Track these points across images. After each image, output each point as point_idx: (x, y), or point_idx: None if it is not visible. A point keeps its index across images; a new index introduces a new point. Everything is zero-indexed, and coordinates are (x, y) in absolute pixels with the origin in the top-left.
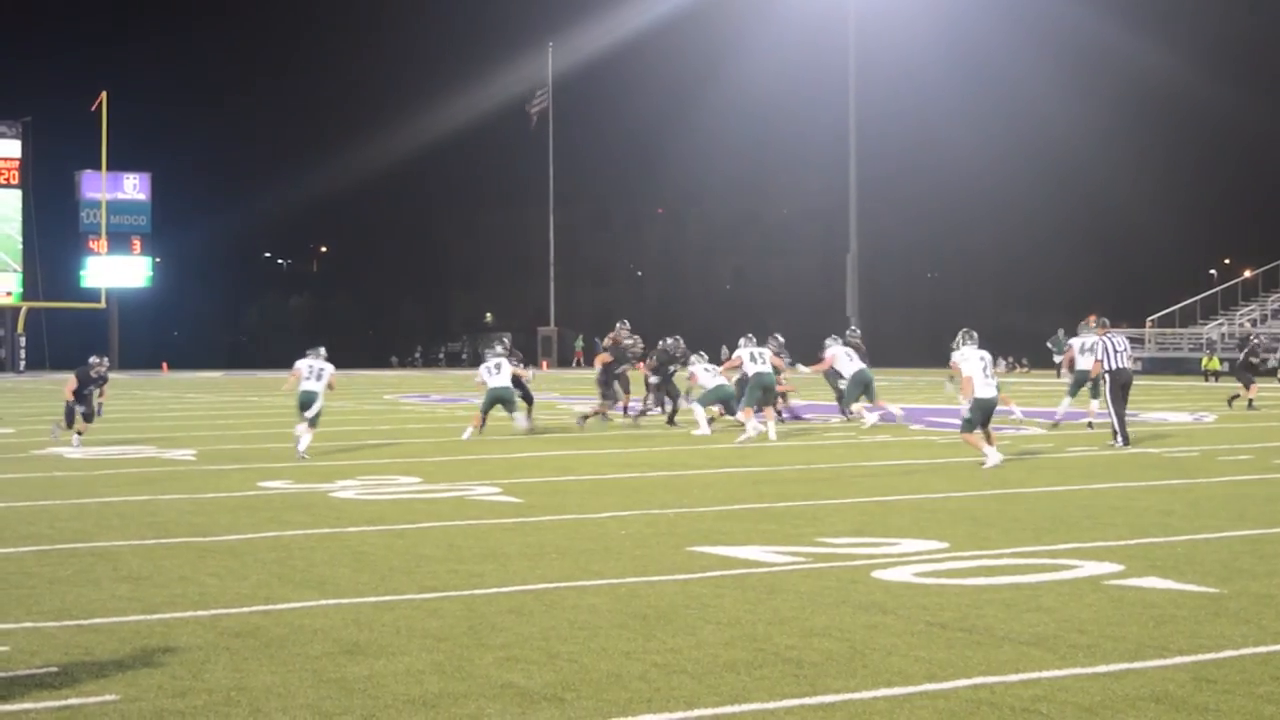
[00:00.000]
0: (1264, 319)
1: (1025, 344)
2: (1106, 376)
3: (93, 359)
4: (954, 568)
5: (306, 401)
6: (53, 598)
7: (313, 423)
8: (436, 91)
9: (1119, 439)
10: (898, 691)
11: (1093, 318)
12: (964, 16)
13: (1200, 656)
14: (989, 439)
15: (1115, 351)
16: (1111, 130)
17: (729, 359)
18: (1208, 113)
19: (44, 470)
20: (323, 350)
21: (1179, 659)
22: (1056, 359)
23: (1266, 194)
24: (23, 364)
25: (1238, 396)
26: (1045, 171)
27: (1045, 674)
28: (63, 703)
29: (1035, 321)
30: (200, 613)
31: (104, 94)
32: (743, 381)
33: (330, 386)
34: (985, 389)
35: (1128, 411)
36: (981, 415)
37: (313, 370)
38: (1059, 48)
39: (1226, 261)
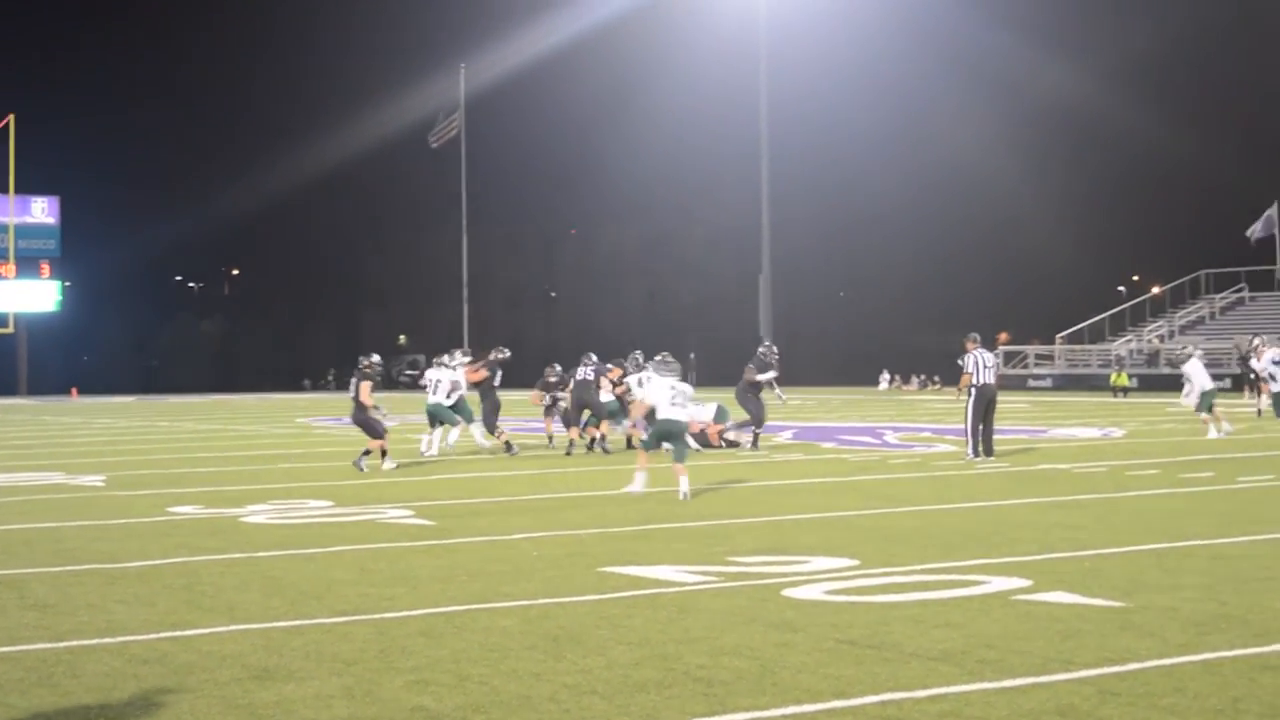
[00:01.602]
0: (1171, 334)
1: (937, 362)
2: (973, 390)
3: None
4: (863, 585)
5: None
6: None
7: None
8: (348, 112)
9: (974, 452)
10: (807, 708)
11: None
12: (876, 39)
13: (1105, 670)
14: None
15: (984, 367)
16: (1021, 150)
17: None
18: (1116, 132)
19: None
20: (445, 358)
21: (1084, 673)
22: None
23: (1175, 212)
24: None
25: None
26: (955, 191)
27: (952, 689)
28: None
29: (947, 340)
30: (108, 640)
31: (11, 116)
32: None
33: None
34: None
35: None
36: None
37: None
38: (969, 69)
39: (1135, 279)
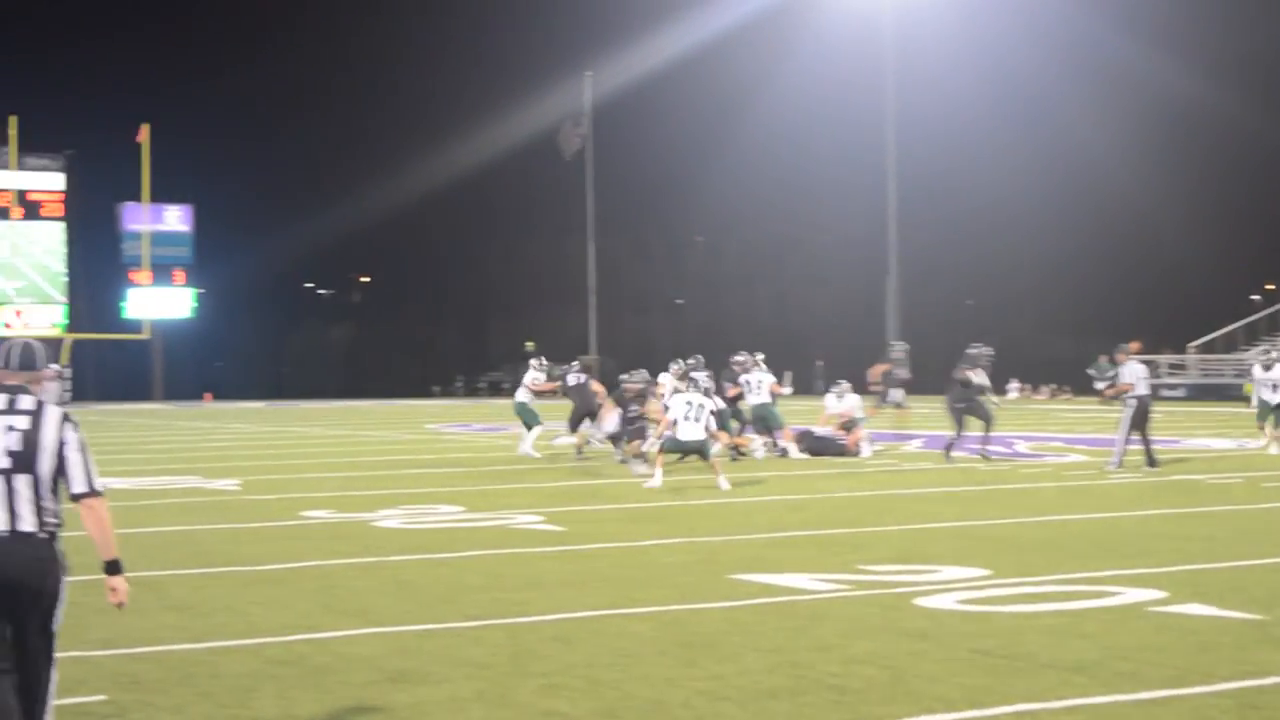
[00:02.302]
0: None
1: (1067, 371)
2: (1133, 401)
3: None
4: (996, 594)
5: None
6: (100, 627)
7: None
8: (475, 120)
9: (1118, 462)
10: (940, 718)
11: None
12: (1003, 41)
13: (1245, 683)
14: None
15: (1141, 378)
16: (1152, 155)
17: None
18: (1253, 139)
19: None
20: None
21: (1223, 685)
22: (1098, 385)
23: None
24: (69, 395)
25: None
26: (1086, 197)
27: (1088, 700)
28: None
29: (1077, 348)
30: (246, 641)
31: (146, 126)
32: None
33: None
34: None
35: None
36: None
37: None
38: (1099, 72)
39: (1270, 287)
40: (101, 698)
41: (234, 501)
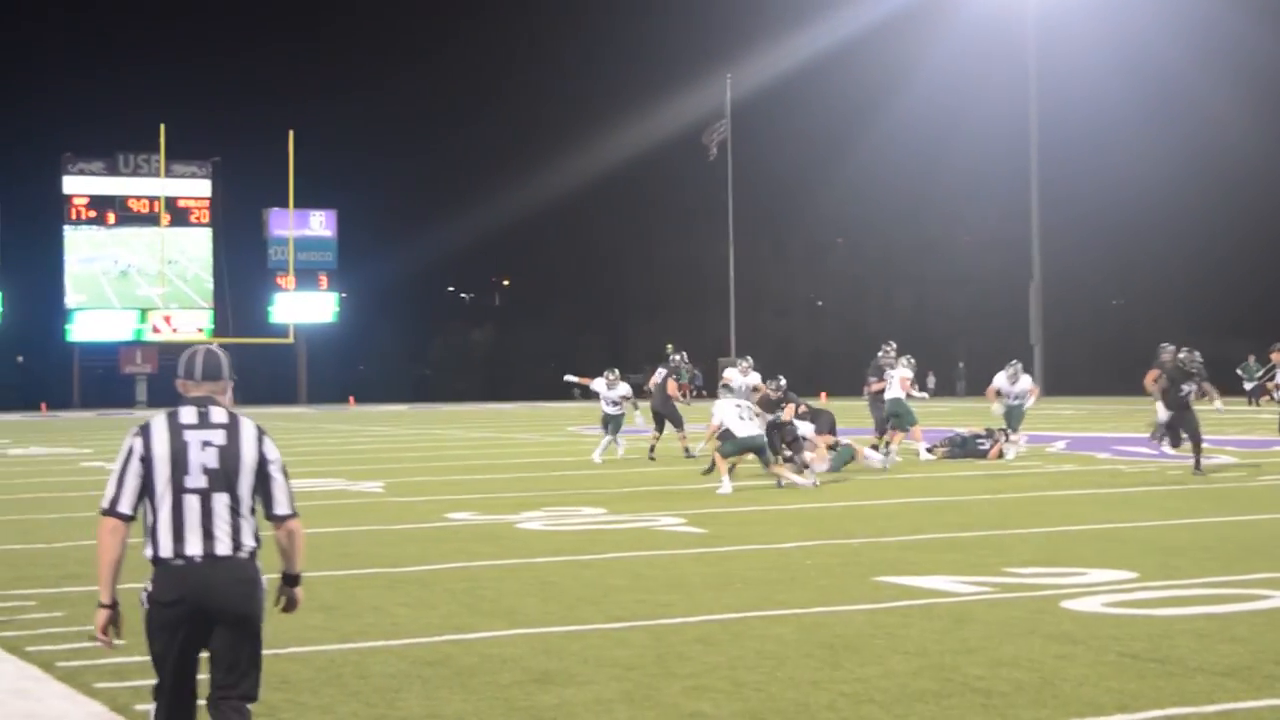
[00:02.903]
0: None
1: (1214, 371)
2: None
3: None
4: (1144, 598)
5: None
6: None
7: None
8: (616, 123)
9: None
10: None
11: None
12: (1147, 36)
13: None
14: None
15: None
16: None
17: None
18: None
19: None
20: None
21: None
22: (1247, 385)
23: None
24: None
25: None
26: (1234, 196)
27: (1240, 705)
28: None
29: (1225, 348)
30: (392, 642)
31: (290, 133)
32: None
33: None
34: None
35: None
36: None
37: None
38: (1246, 65)
39: None
40: None
41: (378, 503)
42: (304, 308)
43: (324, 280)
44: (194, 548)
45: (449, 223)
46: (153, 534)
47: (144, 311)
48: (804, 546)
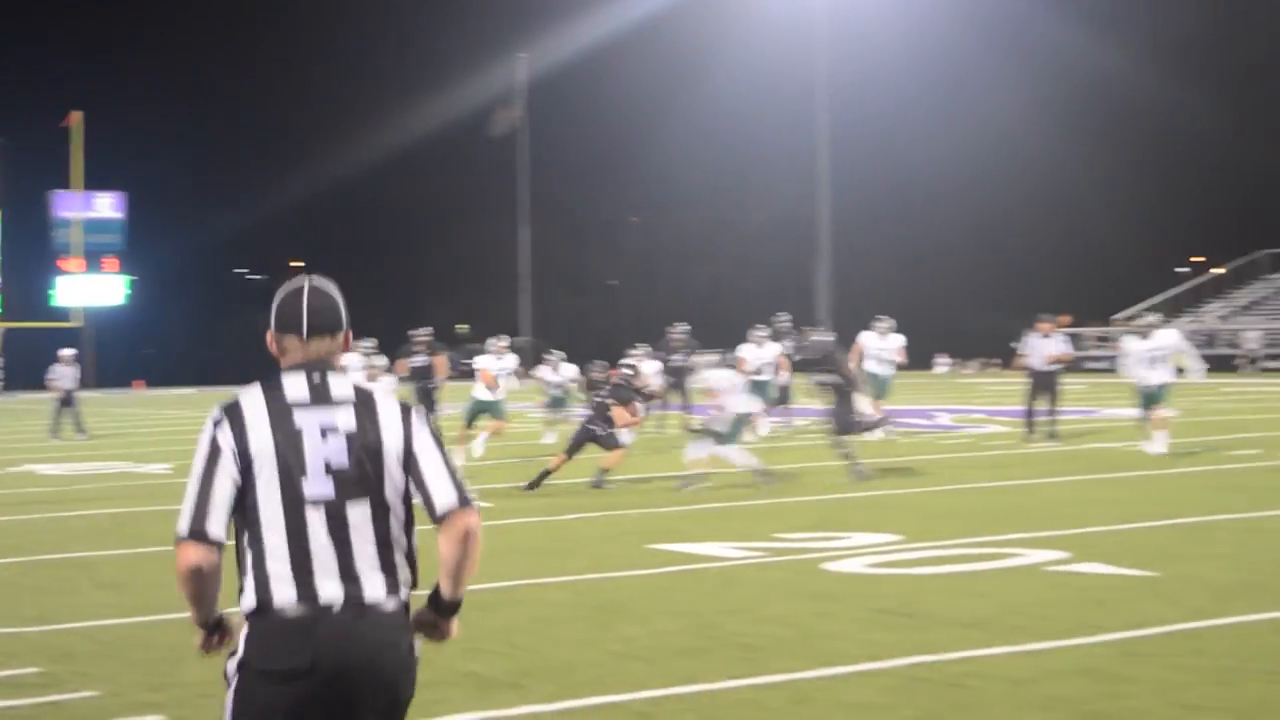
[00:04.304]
0: (1230, 315)
1: (996, 344)
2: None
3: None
4: (902, 559)
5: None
6: (33, 605)
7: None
8: (408, 103)
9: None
10: (838, 670)
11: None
12: (933, 21)
13: (1129, 633)
14: None
15: (1035, 351)
16: (1079, 131)
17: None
18: (1178, 113)
19: (21, 487)
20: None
21: (1108, 636)
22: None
23: (1236, 192)
24: (1, 384)
25: None
26: (1014, 174)
27: (978, 652)
28: (45, 699)
29: (1006, 322)
30: (174, 615)
31: (77, 113)
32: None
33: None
34: None
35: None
36: None
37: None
38: (1028, 51)
39: (1200, 260)
40: (34, 670)
41: (165, 484)
42: (92, 291)
43: (112, 263)
44: (327, 589)
45: (240, 205)
46: (255, 571)
47: None
48: (584, 518)
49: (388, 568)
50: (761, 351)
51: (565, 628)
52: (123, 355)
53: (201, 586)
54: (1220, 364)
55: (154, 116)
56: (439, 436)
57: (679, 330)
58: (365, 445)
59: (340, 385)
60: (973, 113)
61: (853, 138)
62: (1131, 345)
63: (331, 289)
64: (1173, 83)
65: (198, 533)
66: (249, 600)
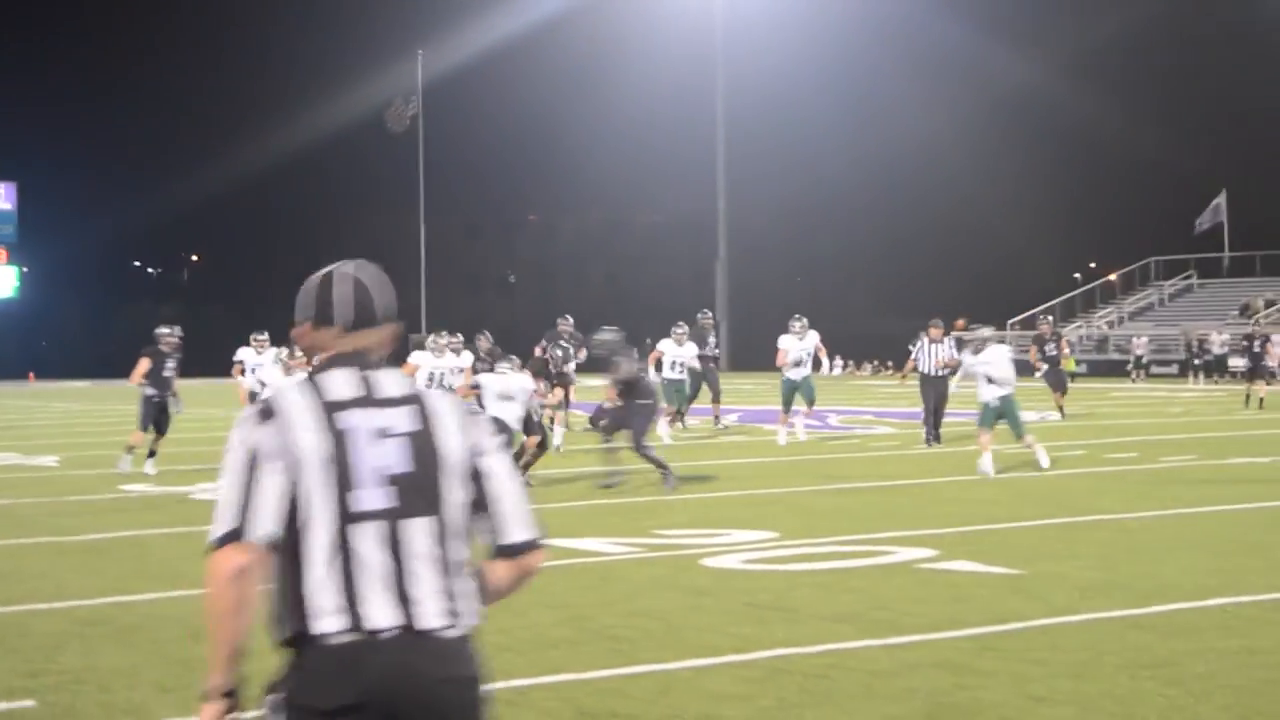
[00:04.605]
0: (1121, 321)
1: (889, 347)
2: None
3: (162, 329)
4: (779, 555)
5: None
6: None
7: None
8: (306, 98)
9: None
10: (704, 662)
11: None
12: (832, 25)
13: (988, 629)
14: None
15: (924, 355)
16: (978, 137)
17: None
18: (1073, 121)
19: None
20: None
21: (969, 631)
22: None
23: (1130, 200)
24: None
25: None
26: (913, 177)
27: (842, 645)
28: None
29: (903, 325)
30: (57, 604)
31: None
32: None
33: None
34: None
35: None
36: None
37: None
38: (922, 55)
39: (1092, 265)
40: None
41: (52, 476)
42: None
43: (3, 254)
44: (380, 614)
45: (136, 197)
46: (294, 592)
47: None
48: None
49: (447, 591)
50: (680, 350)
51: None
52: (15, 348)
53: (242, 597)
54: (1112, 369)
55: (46, 106)
56: (498, 446)
57: (568, 323)
58: (426, 452)
59: (395, 382)
60: (873, 116)
61: (752, 139)
62: (965, 358)
63: (373, 281)
64: (1073, 92)
65: (237, 532)
66: (288, 626)
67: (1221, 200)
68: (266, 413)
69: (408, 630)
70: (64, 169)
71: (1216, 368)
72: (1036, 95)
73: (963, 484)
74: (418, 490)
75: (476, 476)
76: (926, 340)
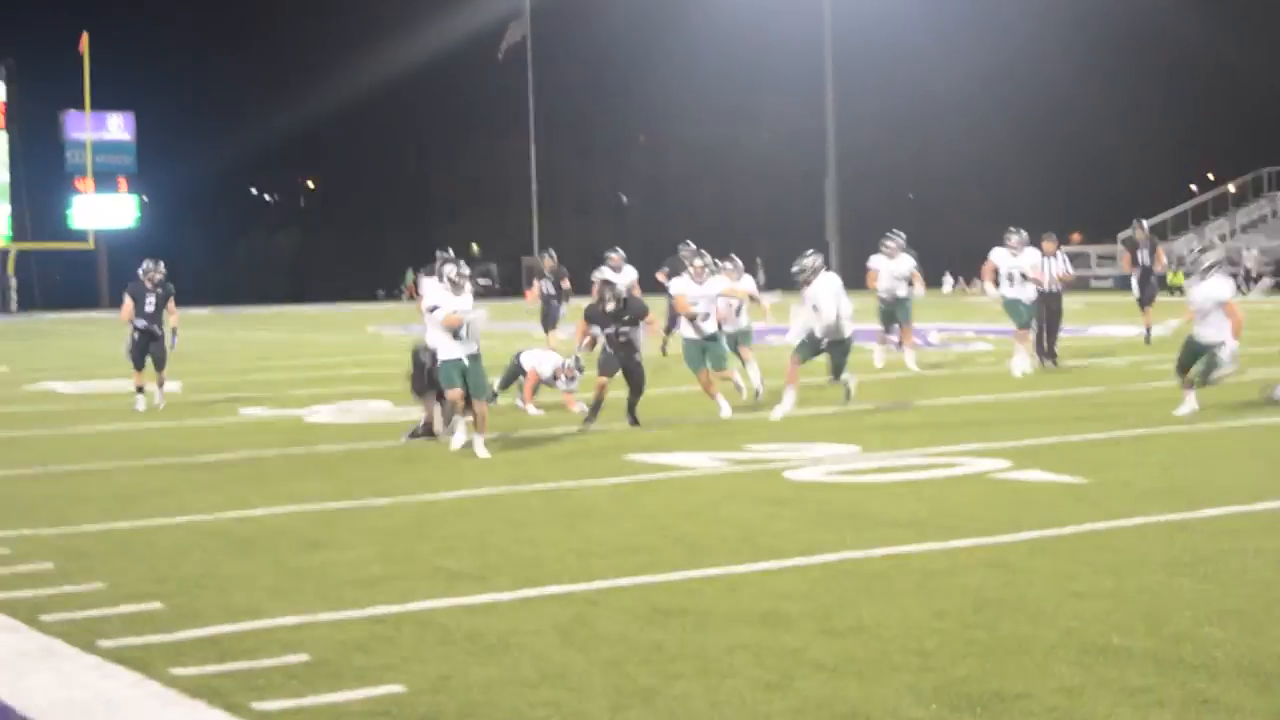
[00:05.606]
0: (1233, 233)
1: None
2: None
3: (146, 264)
4: (859, 467)
5: None
6: (48, 511)
7: None
8: (418, 21)
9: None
10: (773, 564)
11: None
12: None
13: (1043, 532)
14: None
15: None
16: (1090, 47)
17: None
18: (1187, 33)
19: (36, 404)
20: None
21: (1025, 534)
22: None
23: (1243, 110)
24: (15, 305)
25: None
26: (1026, 90)
27: (904, 548)
28: (56, 590)
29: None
30: (179, 518)
31: (86, 34)
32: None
33: None
34: None
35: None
36: None
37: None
38: None
39: (1210, 176)
40: (48, 565)
41: (175, 402)
42: (104, 212)
43: (123, 184)
44: None
45: (251, 124)
46: None
47: None
48: (570, 433)
49: None
50: (893, 264)
51: (535, 529)
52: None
53: None
54: None
55: (164, 37)
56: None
57: (689, 249)
58: None
59: None
60: (984, 28)
61: (861, 53)
62: (1000, 259)
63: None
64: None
65: None
66: None
67: None
68: None
69: None
70: (181, 97)
71: None
72: (1151, 6)
73: (1052, 399)
74: None
75: None
76: (1041, 255)
